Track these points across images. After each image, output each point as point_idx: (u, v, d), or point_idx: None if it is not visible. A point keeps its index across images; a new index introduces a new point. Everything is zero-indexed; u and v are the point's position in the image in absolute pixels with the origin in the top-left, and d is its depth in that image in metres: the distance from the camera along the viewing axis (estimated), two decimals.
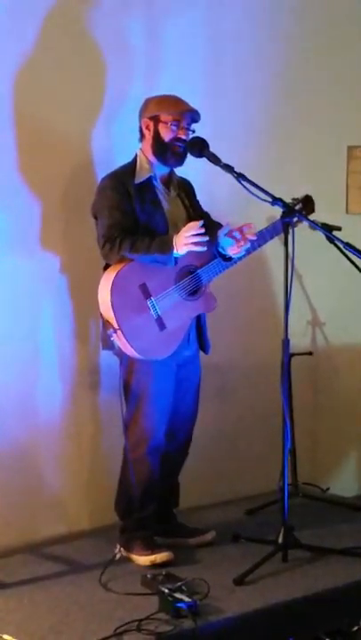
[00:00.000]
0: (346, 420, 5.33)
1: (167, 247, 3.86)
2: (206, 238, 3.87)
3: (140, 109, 4.07)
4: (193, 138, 4.00)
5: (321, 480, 5.10)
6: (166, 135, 4.00)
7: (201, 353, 4.18)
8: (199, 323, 4.12)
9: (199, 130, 4.03)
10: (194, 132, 4.03)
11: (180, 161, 4.04)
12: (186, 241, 3.85)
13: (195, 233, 3.83)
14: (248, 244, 3.99)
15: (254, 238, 4.02)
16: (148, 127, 4.02)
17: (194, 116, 4.02)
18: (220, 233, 3.97)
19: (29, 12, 4.19)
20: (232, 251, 4.00)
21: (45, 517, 4.39)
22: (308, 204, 4.39)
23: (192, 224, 3.88)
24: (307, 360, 4.99)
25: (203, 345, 4.16)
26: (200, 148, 3.97)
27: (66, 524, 4.45)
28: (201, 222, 3.86)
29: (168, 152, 4.01)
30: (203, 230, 3.84)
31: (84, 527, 4.47)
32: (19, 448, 4.28)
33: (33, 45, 4.20)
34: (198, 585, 3.65)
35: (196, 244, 3.84)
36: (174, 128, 3.99)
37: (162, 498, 4.17)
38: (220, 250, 4.01)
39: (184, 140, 3.99)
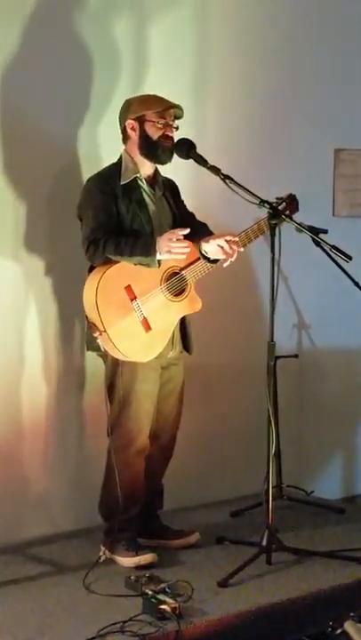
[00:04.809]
0: (331, 423, 5.34)
1: (150, 250, 3.86)
2: (186, 248, 3.87)
3: (121, 111, 4.07)
4: (180, 139, 4.00)
5: (305, 483, 5.10)
6: (154, 134, 4.00)
7: (185, 354, 4.18)
8: (183, 324, 4.12)
9: (185, 132, 4.04)
10: (177, 128, 4.04)
11: (170, 157, 4.04)
12: (167, 248, 3.85)
13: (176, 239, 3.83)
14: (234, 257, 3.96)
15: (241, 249, 4.00)
16: (133, 128, 4.02)
17: (177, 111, 4.04)
18: (202, 244, 3.95)
19: (15, 12, 4.18)
20: (218, 257, 3.98)
21: (30, 518, 4.37)
22: (292, 203, 4.37)
23: (176, 230, 3.88)
24: (292, 363, 5.00)
25: (186, 346, 4.16)
26: (187, 149, 3.98)
27: (50, 525, 4.43)
28: (186, 231, 3.86)
29: (158, 150, 4.01)
30: (182, 237, 3.84)
31: (69, 528, 4.45)
32: (3, 448, 4.27)
33: (19, 46, 4.20)
34: (182, 587, 3.65)
35: (176, 253, 3.85)
36: (161, 126, 3.99)
37: (146, 499, 4.16)
38: (204, 252, 4.00)
39: (172, 137, 4.00)
